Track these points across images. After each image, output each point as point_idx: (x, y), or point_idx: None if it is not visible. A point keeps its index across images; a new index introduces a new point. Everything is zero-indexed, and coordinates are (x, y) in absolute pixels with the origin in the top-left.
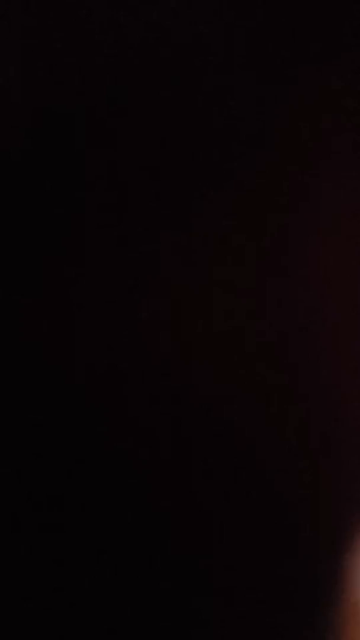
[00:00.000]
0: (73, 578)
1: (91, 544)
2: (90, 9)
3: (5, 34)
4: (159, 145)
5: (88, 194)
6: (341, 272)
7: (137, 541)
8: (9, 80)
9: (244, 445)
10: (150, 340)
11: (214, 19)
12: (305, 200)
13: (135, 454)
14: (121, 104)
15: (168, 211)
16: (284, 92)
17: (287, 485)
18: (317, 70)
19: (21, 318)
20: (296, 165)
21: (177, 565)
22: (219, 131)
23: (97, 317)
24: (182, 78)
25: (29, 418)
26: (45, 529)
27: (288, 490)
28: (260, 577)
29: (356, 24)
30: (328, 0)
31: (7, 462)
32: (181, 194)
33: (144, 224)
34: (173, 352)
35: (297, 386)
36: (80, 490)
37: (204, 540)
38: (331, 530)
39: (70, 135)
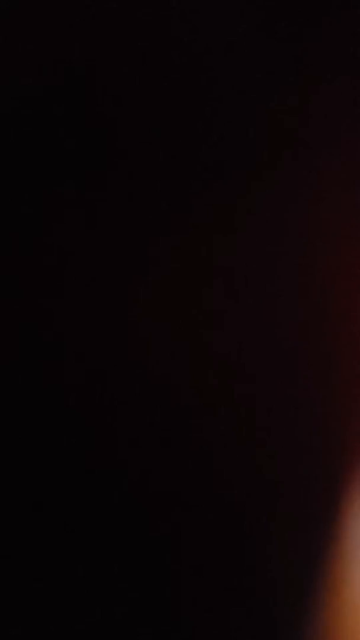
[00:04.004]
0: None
1: (85, 543)
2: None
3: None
4: (155, 139)
5: (83, 191)
6: (340, 272)
7: (129, 541)
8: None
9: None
10: (138, 345)
11: (215, 14)
12: (303, 203)
13: (120, 452)
14: (120, 94)
15: (160, 211)
16: (284, 88)
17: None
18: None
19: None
20: (290, 166)
21: (167, 538)
22: (217, 126)
23: (86, 320)
24: (183, 72)
25: (18, 414)
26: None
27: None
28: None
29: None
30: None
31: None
32: (174, 194)
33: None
34: (161, 358)
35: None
36: (72, 485)
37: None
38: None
39: (68, 123)
